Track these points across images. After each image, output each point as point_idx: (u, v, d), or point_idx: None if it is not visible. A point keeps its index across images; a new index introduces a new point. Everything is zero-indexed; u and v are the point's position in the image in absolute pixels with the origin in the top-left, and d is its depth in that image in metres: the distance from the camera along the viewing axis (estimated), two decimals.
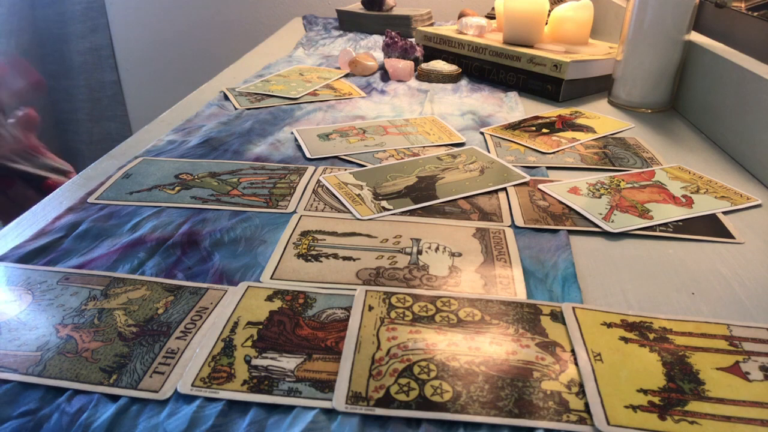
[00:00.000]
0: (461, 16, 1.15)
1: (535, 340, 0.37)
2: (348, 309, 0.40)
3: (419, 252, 0.47)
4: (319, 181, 0.58)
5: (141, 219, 0.51)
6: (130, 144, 0.68)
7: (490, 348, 0.36)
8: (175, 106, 0.81)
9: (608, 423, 0.31)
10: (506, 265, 0.45)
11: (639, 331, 0.38)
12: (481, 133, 0.73)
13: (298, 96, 0.85)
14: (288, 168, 0.61)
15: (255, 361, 0.35)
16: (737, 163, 0.67)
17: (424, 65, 0.97)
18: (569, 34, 0.93)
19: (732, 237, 0.51)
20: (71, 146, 1.86)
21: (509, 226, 0.51)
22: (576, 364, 0.35)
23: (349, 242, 0.48)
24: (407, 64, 0.96)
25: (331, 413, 0.32)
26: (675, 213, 0.54)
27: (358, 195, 0.56)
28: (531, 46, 0.92)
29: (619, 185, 0.59)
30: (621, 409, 0.32)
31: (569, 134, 0.73)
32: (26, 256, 0.45)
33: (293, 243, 0.48)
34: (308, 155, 0.65)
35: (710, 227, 0.52)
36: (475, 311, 0.40)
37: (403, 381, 0.34)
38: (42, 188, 0.67)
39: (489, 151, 0.67)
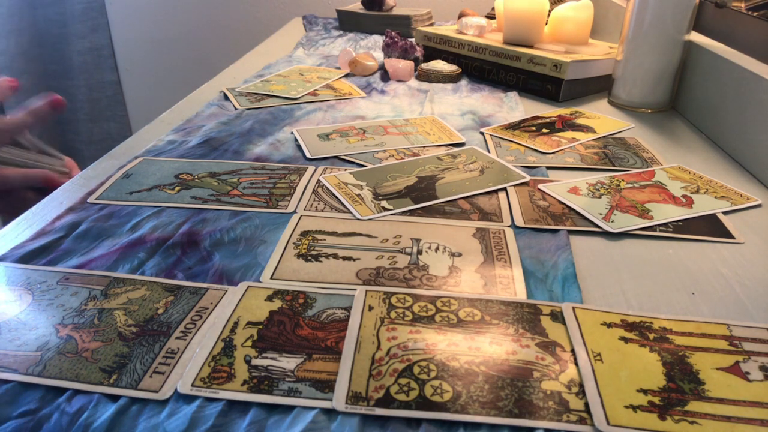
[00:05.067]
0: (461, 16, 1.15)
1: (535, 340, 0.37)
2: (348, 309, 0.40)
3: (419, 252, 0.47)
4: (319, 181, 0.58)
5: (141, 219, 0.51)
6: (130, 144, 0.68)
7: (490, 348, 0.36)
8: (175, 106, 0.81)
9: (608, 423, 0.31)
10: (506, 265, 0.46)
11: (639, 331, 0.38)
12: (481, 133, 0.73)
13: (298, 96, 0.85)
14: (288, 168, 0.61)
15: (255, 361, 0.35)
16: (737, 163, 0.67)
17: (424, 65, 0.97)
18: (569, 34, 0.93)
19: (732, 237, 0.51)
20: (71, 146, 1.86)
21: (509, 226, 0.51)
22: (576, 364, 0.35)
23: (349, 242, 0.48)
24: (407, 64, 0.96)
25: (331, 413, 0.32)
26: (675, 213, 0.54)
27: (358, 195, 0.56)
28: (531, 46, 0.92)
29: (619, 185, 0.59)
30: (621, 409, 0.32)
31: (569, 134, 0.73)
32: (26, 256, 0.45)
33: (293, 243, 0.48)
34: (308, 155, 0.65)
35: (710, 227, 0.52)
36: (475, 311, 0.40)
37: (403, 381, 0.34)
38: (43, 185, 0.66)
39: (489, 151, 0.67)
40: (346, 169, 0.61)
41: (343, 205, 0.54)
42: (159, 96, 1.82)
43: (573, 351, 0.36)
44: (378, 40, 1.24)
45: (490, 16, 1.23)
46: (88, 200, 0.54)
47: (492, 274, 0.44)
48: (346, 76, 0.97)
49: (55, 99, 0.64)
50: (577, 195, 0.56)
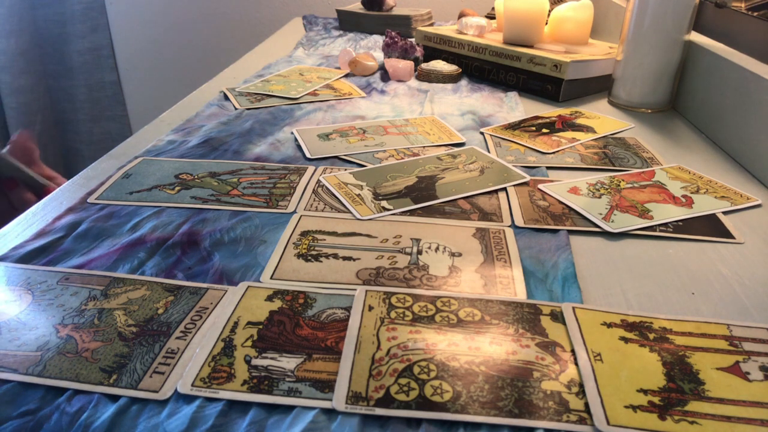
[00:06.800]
0: (461, 16, 1.15)
1: (535, 340, 0.37)
2: (348, 309, 0.40)
3: (419, 252, 0.47)
4: (319, 181, 0.58)
5: (141, 219, 0.51)
6: (130, 144, 0.68)
7: (490, 348, 0.36)
8: (175, 106, 0.81)
9: (608, 423, 0.31)
10: (506, 265, 0.45)
11: (639, 331, 0.38)
12: (481, 133, 0.73)
13: (298, 96, 0.85)
14: (288, 168, 0.61)
15: (255, 361, 0.35)
16: (737, 163, 0.67)
17: (424, 65, 0.97)
18: (569, 34, 0.93)
19: (732, 237, 0.51)
20: (71, 146, 1.86)
21: (509, 226, 0.51)
22: (576, 364, 0.35)
23: (349, 242, 0.48)
24: (407, 64, 0.96)
25: (331, 413, 0.32)
26: (675, 213, 0.54)
27: (358, 195, 0.56)
28: (531, 46, 0.92)
29: (619, 185, 0.59)
30: (621, 409, 0.32)
31: (569, 134, 0.73)
32: (26, 256, 0.45)
33: (293, 243, 0.48)
34: (308, 155, 0.65)
35: (710, 227, 0.52)
36: (475, 311, 0.40)
37: (403, 381, 0.34)
38: (42, 194, 0.67)
39: (489, 151, 0.67)
40: (346, 169, 0.61)
41: (343, 205, 0.54)
42: (159, 96, 1.82)
43: (573, 351, 0.36)
44: (378, 40, 1.24)
45: (490, 16, 1.23)
46: (88, 200, 0.54)
47: (492, 274, 0.44)
48: (346, 76, 0.97)
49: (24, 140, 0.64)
50: (577, 195, 0.56)
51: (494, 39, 0.97)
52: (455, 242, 0.48)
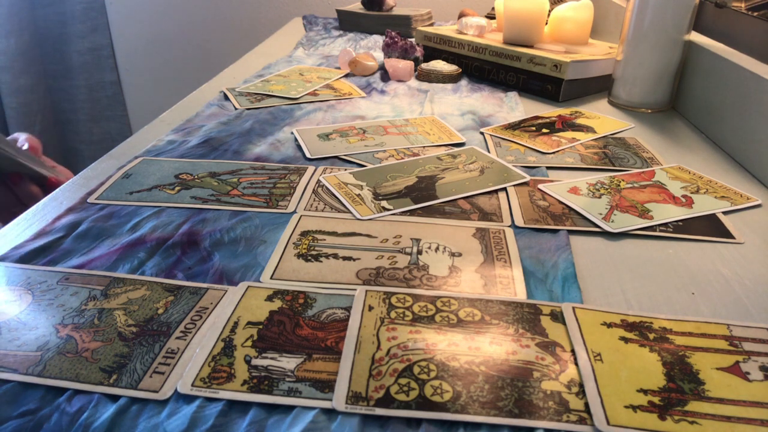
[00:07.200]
0: (461, 16, 1.15)
1: (535, 340, 0.37)
2: (348, 309, 0.40)
3: (419, 252, 0.47)
4: (319, 181, 0.58)
5: (141, 219, 0.51)
6: (130, 144, 0.68)
7: (490, 348, 0.36)
8: (175, 106, 0.81)
9: (608, 423, 0.31)
10: (506, 265, 0.45)
11: (639, 331, 0.38)
12: (481, 133, 0.73)
13: (298, 96, 0.85)
14: (288, 168, 0.61)
15: (255, 361, 0.35)
16: (737, 163, 0.67)
17: (424, 65, 0.97)
18: (569, 34, 0.93)
19: (732, 237, 0.51)
20: (71, 146, 1.86)
21: (509, 226, 0.51)
22: (576, 364, 0.35)
23: (349, 242, 0.48)
24: (407, 64, 0.96)
25: (331, 413, 0.32)
26: (675, 213, 0.54)
27: (358, 195, 0.56)
28: (531, 46, 0.92)
29: (619, 185, 0.59)
30: (621, 409, 0.32)
31: (569, 134, 0.73)
32: (26, 256, 0.45)
33: (293, 243, 0.48)
34: (308, 155, 0.65)
35: (710, 227, 0.52)
36: (475, 311, 0.40)
37: (403, 381, 0.34)
38: (45, 185, 0.67)
39: (489, 151, 0.67)
40: (346, 169, 0.61)
41: (343, 205, 0.54)
42: (159, 96, 1.82)
43: (573, 351, 0.36)
44: (378, 40, 1.24)
45: (490, 16, 1.23)
46: (88, 200, 0.54)
47: (492, 274, 0.44)
48: (346, 76, 0.97)
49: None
50: (577, 195, 0.56)
51: (494, 39, 0.97)
52: (455, 242, 0.48)
